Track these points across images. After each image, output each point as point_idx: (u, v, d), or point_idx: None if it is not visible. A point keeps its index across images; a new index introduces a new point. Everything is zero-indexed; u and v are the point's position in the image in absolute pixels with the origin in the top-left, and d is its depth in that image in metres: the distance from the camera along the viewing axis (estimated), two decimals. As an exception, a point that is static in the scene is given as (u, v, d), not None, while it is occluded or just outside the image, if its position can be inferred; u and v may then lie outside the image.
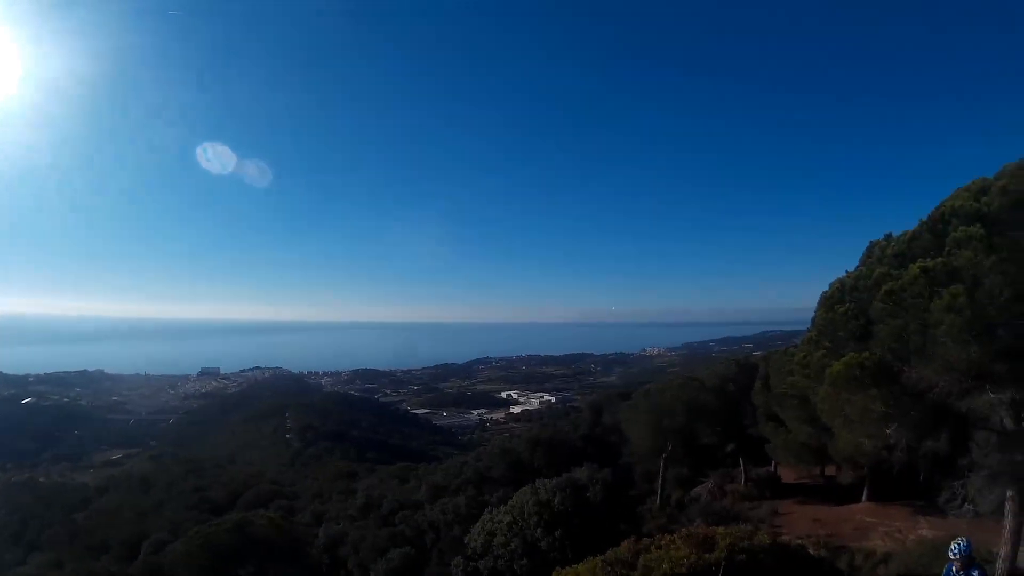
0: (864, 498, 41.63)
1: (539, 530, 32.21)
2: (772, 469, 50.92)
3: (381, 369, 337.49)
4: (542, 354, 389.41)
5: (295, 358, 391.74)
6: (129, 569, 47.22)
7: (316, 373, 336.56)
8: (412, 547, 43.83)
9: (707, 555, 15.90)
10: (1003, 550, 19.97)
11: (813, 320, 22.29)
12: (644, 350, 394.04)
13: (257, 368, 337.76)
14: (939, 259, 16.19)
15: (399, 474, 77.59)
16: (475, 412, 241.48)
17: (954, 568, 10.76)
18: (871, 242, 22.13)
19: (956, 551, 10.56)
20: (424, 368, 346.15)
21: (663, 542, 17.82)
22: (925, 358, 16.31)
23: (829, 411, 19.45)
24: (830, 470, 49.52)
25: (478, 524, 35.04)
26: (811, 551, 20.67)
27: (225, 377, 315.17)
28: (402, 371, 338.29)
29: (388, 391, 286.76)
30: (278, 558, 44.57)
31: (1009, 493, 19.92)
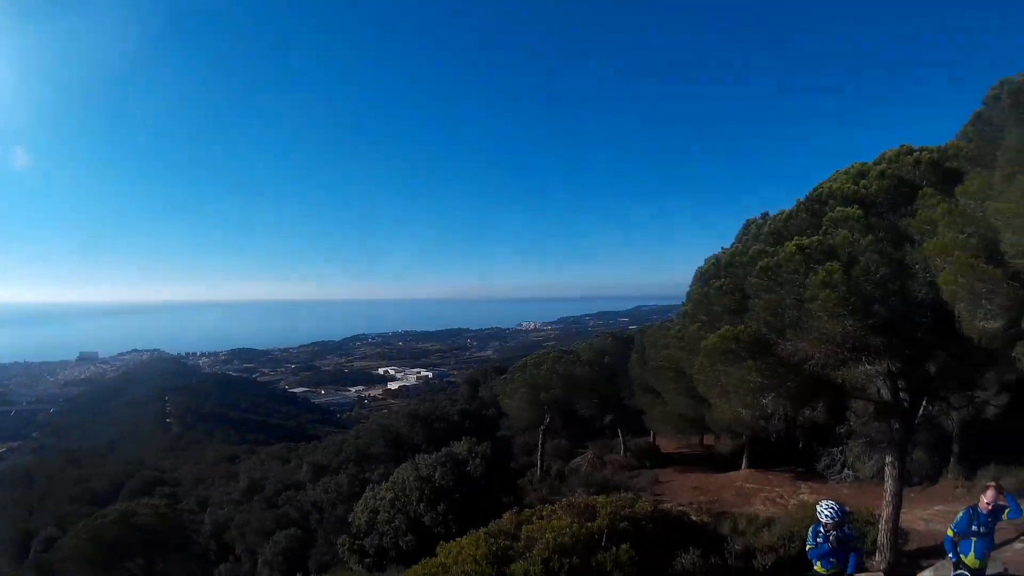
0: (744, 465, 43.13)
1: (422, 505, 32.21)
2: (651, 439, 52.50)
3: (259, 348, 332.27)
4: (419, 330, 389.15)
5: (173, 339, 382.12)
6: (19, 570, 45.67)
7: (194, 354, 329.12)
8: (298, 528, 43.47)
9: (589, 524, 16.02)
10: (885, 512, 20.76)
11: (688, 294, 22.69)
12: (520, 325, 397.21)
13: (135, 351, 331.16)
14: (816, 237, 16.73)
15: (280, 455, 76.58)
16: (353, 389, 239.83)
17: (821, 529, 10.51)
18: (747, 220, 22.73)
19: (830, 516, 10.32)
20: (302, 346, 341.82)
21: (545, 512, 17.99)
22: (801, 331, 16.75)
23: (706, 382, 19.70)
24: (709, 439, 51.15)
25: (361, 502, 34.84)
26: (693, 517, 21.16)
27: (104, 361, 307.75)
28: (280, 350, 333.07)
29: (266, 370, 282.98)
30: (165, 548, 43.79)
31: (888, 459, 20.73)
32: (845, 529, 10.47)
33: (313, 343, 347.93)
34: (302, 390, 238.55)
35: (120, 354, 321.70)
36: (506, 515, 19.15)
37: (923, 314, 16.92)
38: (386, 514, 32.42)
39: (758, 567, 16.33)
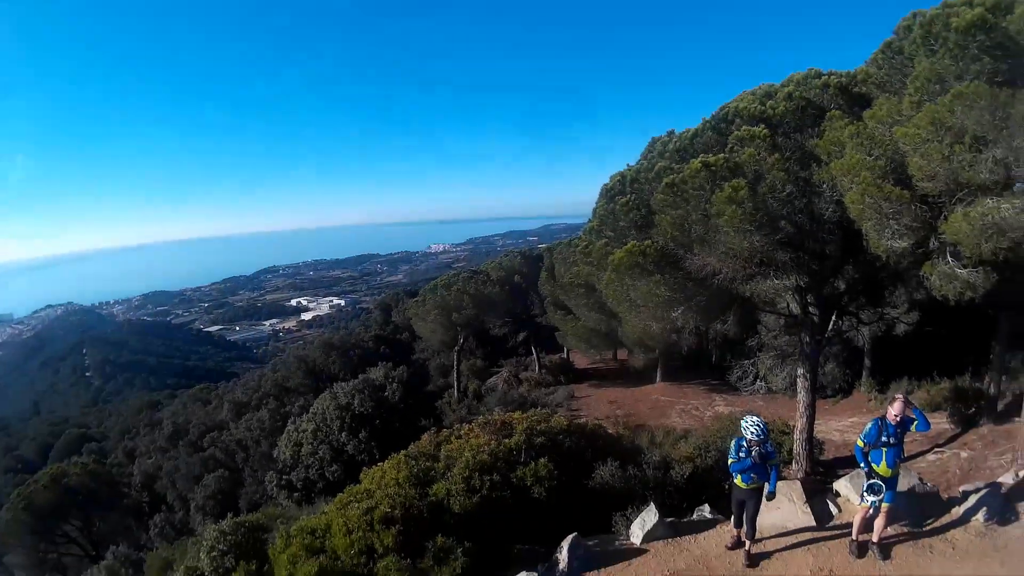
0: (658, 379, 44.52)
1: (344, 435, 32.46)
2: (565, 355, 53.51)
3: (171, 290, 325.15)
4: (329, 258, 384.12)
5: (85, 291, 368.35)
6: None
7: (108, 303, 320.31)
8: (225, 469, 43.24)
9: (507, 441, 16.12)
10: (799, 423, 21.76)
11: (595, 211, 22.82)
12: (429, 248, 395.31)
13: (49, 307, 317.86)
14: (721, 155, 16.89)
15: (201, 396, 75.51)
16: (267, 323, 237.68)
17: (744, 444, 10.50)
18: (653, 138, 22.79)
19: (756, 433, 10.41)
20: (213, 284, 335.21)
21: (463, 432, 18.13)
22: (708, 246, 17.12)
23: (614, 297, 20.06)
24: (622, 354, 52.16)
25: (284, 436, 34.96)
26: (610, 430, 21.57)
27: (20, 322, 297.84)
28: (192, 289, 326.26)
29: (180, 312, 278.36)
30: (100, 505, 43.03)
31: (799, 371, 21.51)
32: (768, 446, 10.62)
33: (224, 280, 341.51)
34: (217, 328, 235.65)
35: (35, 312, 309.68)
36: (425, 436, 19.26)
37: (830, 231, 17.42)
38: (309, 446, 32.59)
39: (676, 477, 16.72)
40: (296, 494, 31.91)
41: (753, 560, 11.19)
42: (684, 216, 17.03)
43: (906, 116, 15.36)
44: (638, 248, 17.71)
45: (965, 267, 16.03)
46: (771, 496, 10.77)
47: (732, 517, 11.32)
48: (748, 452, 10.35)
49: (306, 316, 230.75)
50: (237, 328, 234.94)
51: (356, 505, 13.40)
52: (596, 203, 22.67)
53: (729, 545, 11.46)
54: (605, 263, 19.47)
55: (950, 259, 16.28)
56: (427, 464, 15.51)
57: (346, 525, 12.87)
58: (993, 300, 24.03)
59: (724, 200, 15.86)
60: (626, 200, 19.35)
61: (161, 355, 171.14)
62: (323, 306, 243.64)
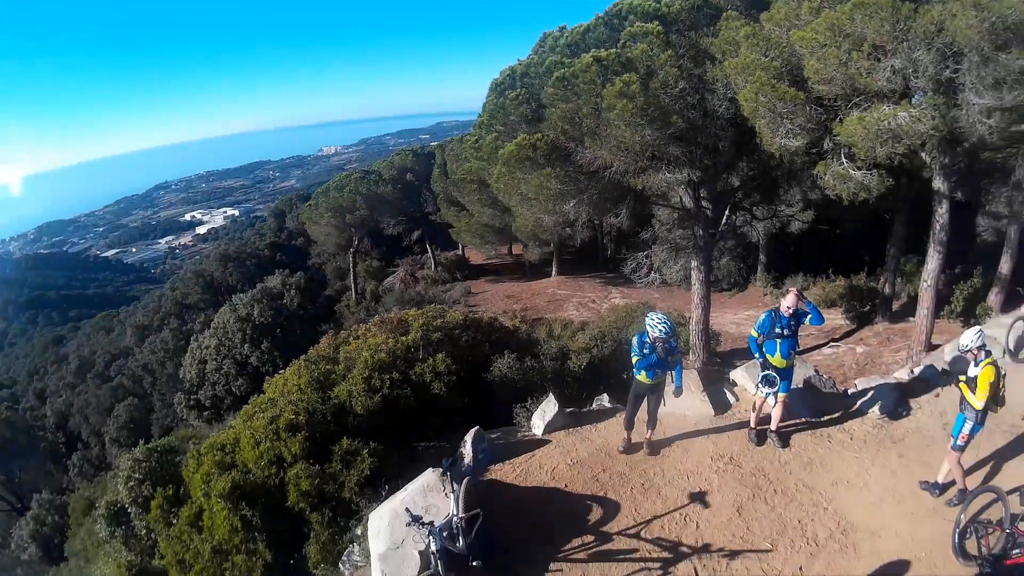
0: (554, 273, 45.05)
1: (246, 347, 32.28)
2: (460, 252, 54.08)
3: (65, 218, 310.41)
4: (220, 168, 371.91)
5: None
6: None
7: (4, 241, 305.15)
8: (134, 397, 42.58)
9: (404, 338, 16.08)
10: (695, 315, 22.28)
11: (484, 106, 22.56)
12: (321, 150, 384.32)
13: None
14: (613, 50, 16.83)
15: (103, 325, 73.72)
16: (163, 241, 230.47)
17: (647, 340, 10.28)
18: (544, 33, 22.54)
19: (663, 331, 10.17)
20: (106, 207, 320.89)
21: (360, 332, 18.12)
22: (599, 140, 17.17)
23: (505, 191, 20.10)
24: (517, 249, 52.62)
25: (188, 355, 34.59)
26: (506, 323, 21.76)
27: None
28: (85, 215, 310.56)
29: (76, 239, 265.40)
30: (19, 455, 41.86)
31: (694, 264, 21.90)
32: (672, 342, 10.45)
33: (117, 201, 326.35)
34: (113, 252, 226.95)
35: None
36: (324, 340, 19.20)
37: (723, 128, 17.62)
38: (214, 362, 32.33)
39: (574, 367, 16.94)
40: (206, 413, 31.78)
41: (654, 448, 11.34)
42: (575, 110, 17.01)
43: (804, 20, 15.59)
44: (528, 141, 17.67)
45: (859, 169, 16.40)
46: (678, 392, 10.75)
47: (625, 419, 11.23)
48: (652, 348, 10.27)
49: (201, 230, 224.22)
50: (133, 250, 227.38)
51: (261, 415, 13.32)
52: (486, 98, 22.44)
53: (622, 449, 11.42)
54: (496, 157, 19.42)
55: (844, 160, 16.63)
56: (327, 367, 15.46)
57: (253, 437, 12.82)
58: (889, 204, 24.82)
59: (615, 94, 15.87)
60: (516, 94, 19.23)
61: (61, 288, 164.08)
62: (217, 218, 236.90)
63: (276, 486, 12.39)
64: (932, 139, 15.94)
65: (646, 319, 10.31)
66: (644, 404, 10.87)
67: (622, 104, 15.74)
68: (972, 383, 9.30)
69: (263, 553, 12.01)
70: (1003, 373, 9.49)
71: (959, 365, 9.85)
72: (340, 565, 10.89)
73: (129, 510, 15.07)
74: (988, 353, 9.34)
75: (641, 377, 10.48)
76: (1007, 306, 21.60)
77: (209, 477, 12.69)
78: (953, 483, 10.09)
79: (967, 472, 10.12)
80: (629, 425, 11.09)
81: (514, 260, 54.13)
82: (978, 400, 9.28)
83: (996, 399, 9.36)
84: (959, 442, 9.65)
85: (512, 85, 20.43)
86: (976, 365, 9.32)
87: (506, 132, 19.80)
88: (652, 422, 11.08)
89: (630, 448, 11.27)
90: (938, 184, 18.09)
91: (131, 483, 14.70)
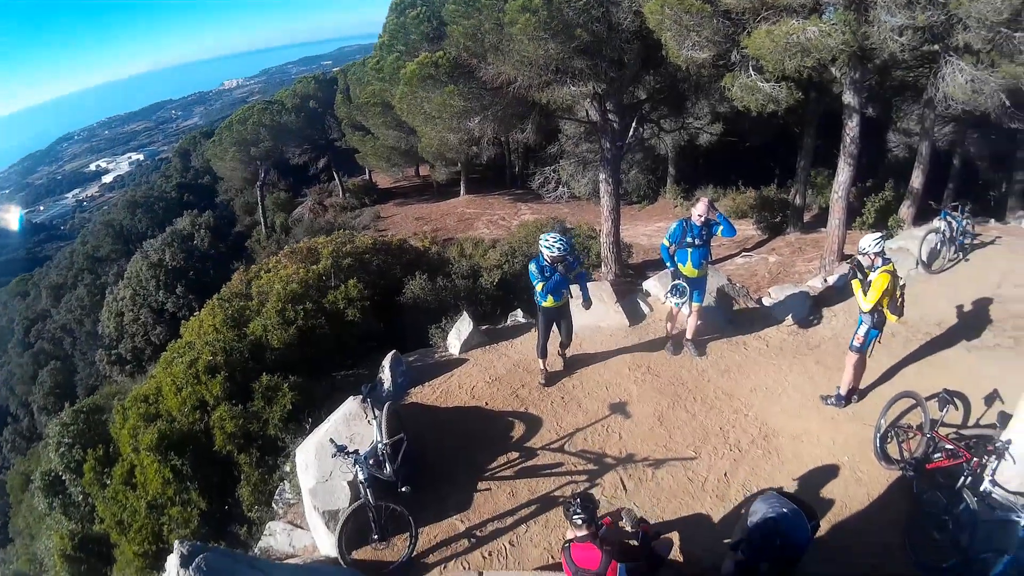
0: (463, 193, 45.18)
1: (161, 293, 31.82)
2: (368, 177, 53.80)
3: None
4: (123, 113, 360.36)
5: None
6: None
7: None
8: (56, 360, 41.72)
9: (314, 267, 15.99)
10: (605, 227, 22.34)
11: (385, 26, 22.31)
12: (223, 84, 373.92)
13: None
14: (516, -35, 16.48)
15: (18, 290, 70.91)
16: (70, 195, 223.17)
17: (546, 263, 9.90)
18: (447, -53, 22.15)
19: (560, 249, 9.86)
20: (11, 166, 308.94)
21: (271, 265, 18.14)
22: (502, 55, 16.97)
23: (409, 110, 19.95)
24: (425, 170, 52.19)
25: (104, 310, 33.99)
26: (416, 244, 21.65)
27: None
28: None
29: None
30: None
31: (602, 176, 21.87)
32: (570, 257, 10.16)
33: (22, 159, 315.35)
34: (24, 212, 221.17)
35: None
36: (235, 276, 19.03)
37: (628, 41, 17.44)
38: (131, 313, 31.77)
39: (486, 284, 16.97)
40: (128, 366, 31.28)
41: (571, 362, 11.35)
42: (477, 26, 16.80)
43: None
44: (430, 59, 17.54)
45: (767, 81, 16.47)
46: (588, 304, 10.59)
47: (538, 348, 10.75)
48: (553, 269, 9.95)
49: (107, 179, 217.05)
50: (41, 208, 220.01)
51: (180, 361, 13.09)
52: (386, 18, 22.05)
53: (542, 381, 11.03)
54: (398, 78, 19.24)
55: (753, 73, 16.70)
56: (241, 304, 15.30)
57: (174, 384, 12.64)
58: (799, 118, 25.06)
59: (518, 8, 15.66)
60: (417, 13, 19.08)
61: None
62: (123, 165, 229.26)
63: (202, 431, 12.25)
64: (843, 54, 16.04)
65: (540, 242, 10.01)
66: (555, 328, 10.72)
67: (525, 18, 15.53)
68: (866, 286, 9.62)
69: (198, 502, 11.90)
70: (902, 283, 9.85)
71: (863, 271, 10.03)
72: (273, 504, 10.68)
73: (64, 477, 14.84)
74: (886, 260, 9.64)
75: (548, 303, 10.26)
76: (919, 220, 21.97)
77: (136, 431, 12.50)
78: (853, 392, 10.47)
79: (886, 379, 10.68)
80: (543, 353, 10.79)
81: (422, 181, 53.83)
82: (865, 302, 9.61)
83: (894, 307, 9.73)
84: (855, 343, 10.01)
85: (412, 4, 20.20)
86: (873, 270, 9.59)
87: (408, 52, 19.62)
88: (568, 340, 10.97)
89: (550, 379, 11.01)
90: (848, 99, 18.25)
91: (61, 449, 14.48)
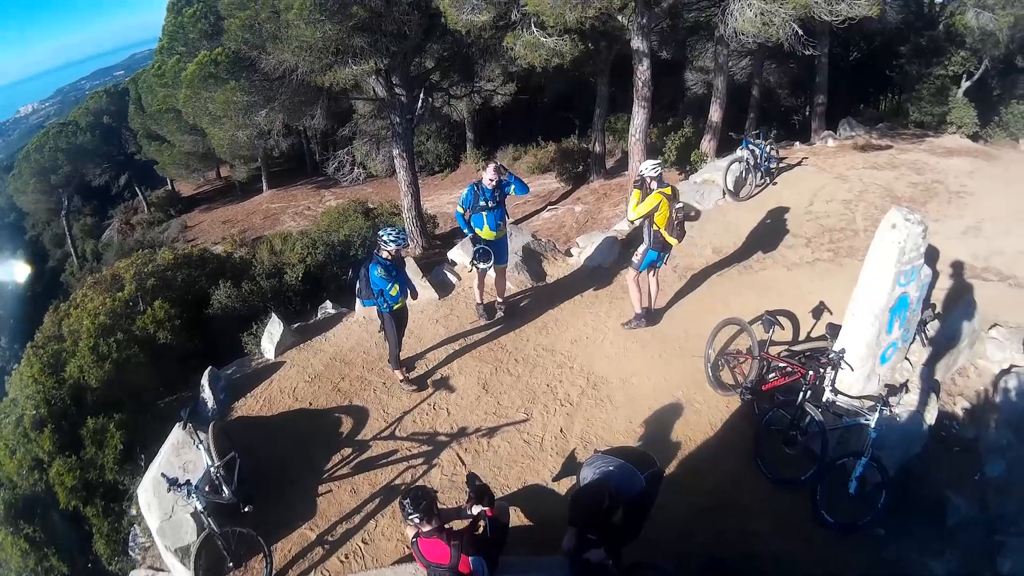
0: (265, 188, 44.75)
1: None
2: (170, 187, 51.87)
3: None
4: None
5: None
6: None
7: None
8: None
9: (120, 294, 15.32)
10: (405, 202, 22.31)
11: (164, 28, 21.49)
12: (18, 112, 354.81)
13: None
14: (287, -53, 16.15)
15: None
16: None
17: (385, 258, 9.54)
18: (218, -59, 21.49)
19: (404, 240, 9.65)
20: None
21: (79, 299, 17.30)
22: (281, 43, 16.55)
23: (195, 113, 19.29)
24: (226, 171, 51.28)
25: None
26: (219, 251, 21.20)
27: None
28: None
29: None
30: None
31: (396, 152, 21.83)
32: (402, 254, 9.92)
33: None
34: None
35: None
36: (46, 318, 18.23)
37: (407, 12, 17.37)
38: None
39: (291, 281, 16.69)
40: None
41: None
42: (254, 16, 16.38)
43: None
44: (209, 58, 17.10)
45: (550, 36, 16.66)
46: (416, 294, 10.56)
47: (392, 357, 10.40)
48: (397, 267, 9.74)
49: None
50: None
51: (7, 421, 12.41)
52: (165, 19, 21.28)
53: (414, 388, 10.45)
54: (180, 81, 18.50)
55: (535, 29, 16.86)
56: (56, 347, 14.48)
57: (7, 447, 11.93)
58: (592, 68, 25.51)
59: (291, -8, 15.36)
60: (194, 10, 18.52)
61: None
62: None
63: (45, 491, 11.57)
64: (628, 2, 16.39)
65: (381, 238, 9.60)
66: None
67: (300, 2, 15.24)
68: (644, 198, 10.29)
69: (59, 567, 11.26)
70: (679, 206, 10.45)
71: (680, 211, 10.45)
72: (130, 552, 10.19)
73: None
74: (664, 185, 10.31)
75: (399, 303, 9.96)
76: (722, 151, 22.58)
77: (-24, 504, 11.74)
78: (648, 310, 11.20)
79: (711, 309, 11.28)
80: (399, 362, 10.43)
81: (224, 183, 52.44)
82: (632, 212, 10.31)
83: (671, 229, 10.36)
84: (634, 260, 10.78)
85: (189, 1, 19.40)
86: (650, 192, 10.22)
87: (188, 52, 19.02)
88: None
89: (421, 383, 10.51)
90: (637, 44, 18.47)
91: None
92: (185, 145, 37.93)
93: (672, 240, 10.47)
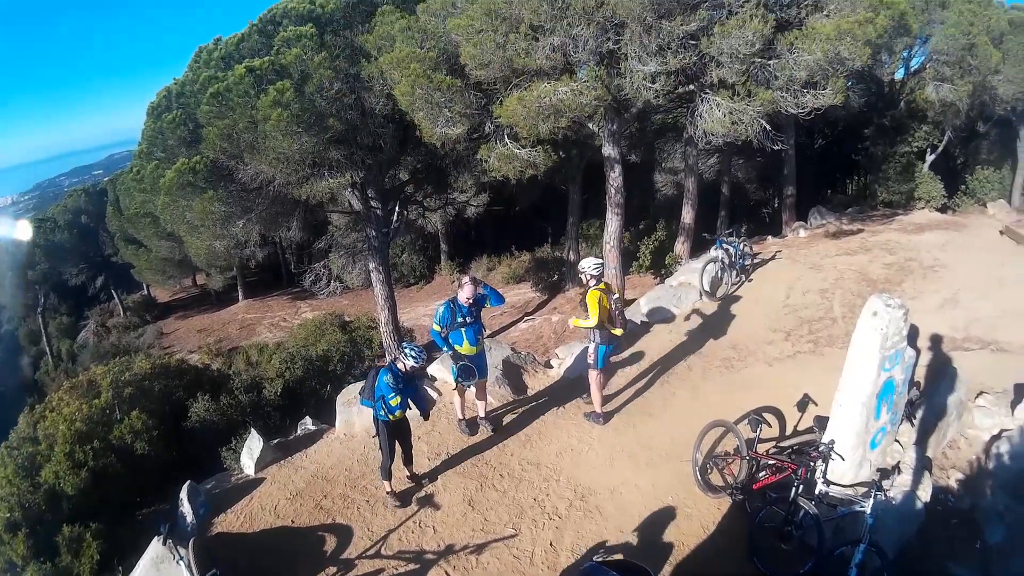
0: (241, 298, 44.73)
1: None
2: (147, 292, 51.81)
3: None
4: None
5: None
6: None
7: None
8: None
9: (96, 400, 15.20)
10: (383, 316, 22.26)
11: (143, 132, 21.45)
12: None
13: None
14: (267, 58, 16.52)
15: None
16: None
17: (400, 371, 9.61)
18: (199, 47, 21.64)
19: (424, 358, 9.72)
20: None
21: (54, 402, 17.08)
22: (259, 154, 16.74)
23: (172, 220, 19.34)
24: (202, 279, 50.96)
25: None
26: (197, 361, 21.02)
27: None
28: None
29: None
30: None
31: (372, 265, 21.88)
32: (420, 363, 9.77)
33: None
34: None
35: None
36: (21, 419, 17.91)
37: (382, 125, 17.69)
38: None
39: (269, 395, 16.57)
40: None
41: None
42: (232, 125, 16.47)
43: (460, 8, 15.91)
44: (187, 166, 17.13)
45: (524, 147, 16.92)
46: (426, 415, 10.49)
47: (383, 469, 10.06)
48: (409, 379, 9.80)
49: None
50: None
51: (-24, 521, 12.08)
52: (144, 124, 21.46)
53: (398, 504, 10.21)
54: (158, 187, 18.50)
55: (508, 141, 17.13)
56: (31, 449, 14.24)
57: (-24, 547, 11.64)
58: (563, 176, 25.92)
59: (269, 104, 15.56)
60: (173, 116, 18.48)
61: None
62: None
63: (19, 600, 11.27)
64: (598, 109, 16.67)
65: (403, 350, 9.70)
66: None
67: (277, 113, 15.42)
68: (583, 305, 10.66)
69: None
70: (616, 296, 10.84)
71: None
72: (110, 669, 9.91)
73: None
74: (599, 280, 10.67)
75: (396, 415, 9.78)
76: (695, 252, 23.01)
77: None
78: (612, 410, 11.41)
79: (695, 412, 11.20)
80: (389, 474, 10.14)
81: (200, 291, 52.52)
82: (594, 319, 10.46)
83: (614, 322, 10.71)
84: (589, 359, 10.93)
85: (169, 107, 19.56)
86: (588, 289, 10.59)
87: (167, 158, 18.97)
88: (411, 455, 10.54)
89: (405, 499, 10.29)
90: (608, 151, 18.67)
91: None
92: (162, 251, 37.61)
93: (617, 331, 10.77)
